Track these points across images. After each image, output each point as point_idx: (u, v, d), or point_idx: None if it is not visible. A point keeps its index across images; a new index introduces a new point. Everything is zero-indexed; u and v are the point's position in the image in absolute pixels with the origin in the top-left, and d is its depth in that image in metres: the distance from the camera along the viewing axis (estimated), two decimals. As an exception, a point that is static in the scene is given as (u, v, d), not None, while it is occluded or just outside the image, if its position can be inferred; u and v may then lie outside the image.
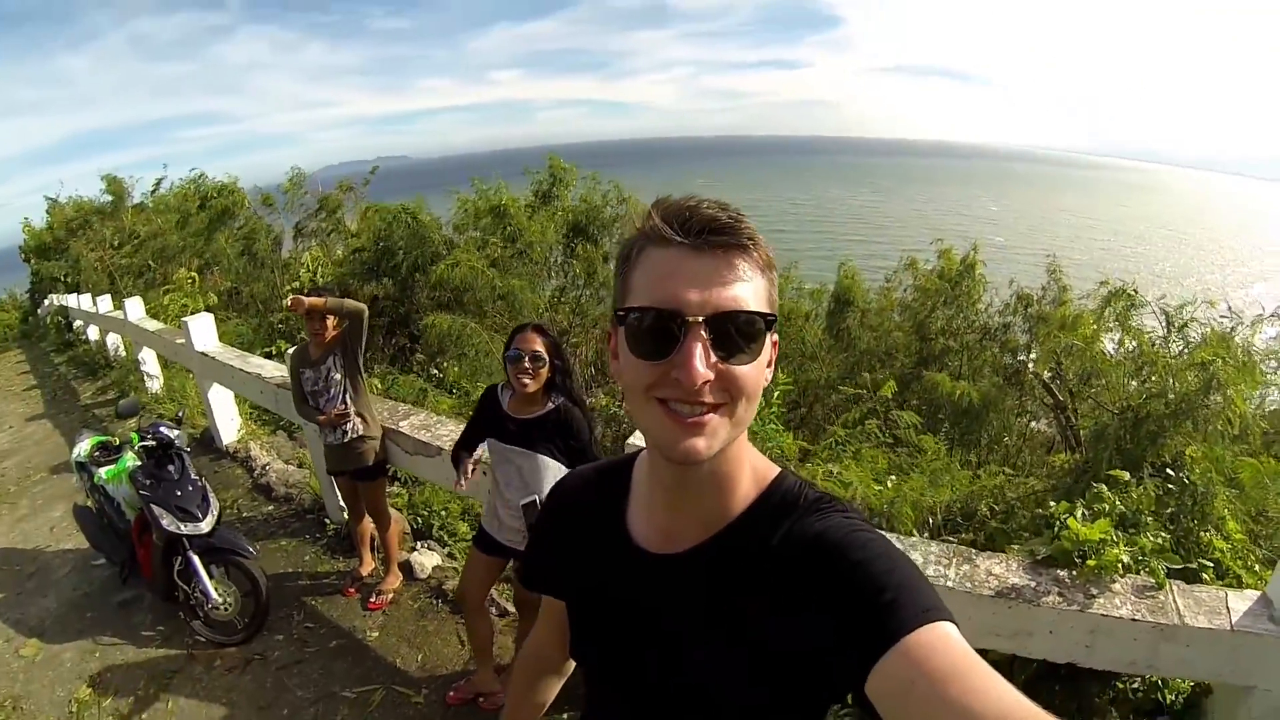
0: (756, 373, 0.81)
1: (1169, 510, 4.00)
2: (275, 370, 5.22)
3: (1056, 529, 3.15)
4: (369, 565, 4.27)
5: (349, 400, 3.82)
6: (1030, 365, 8.31)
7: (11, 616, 4.35)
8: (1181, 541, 3.75)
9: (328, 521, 4.93)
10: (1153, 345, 6.13)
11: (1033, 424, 9.66)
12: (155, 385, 8.45)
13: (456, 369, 8.37)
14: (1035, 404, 9.60)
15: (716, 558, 0.90)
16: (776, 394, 5.21)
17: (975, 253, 10.19)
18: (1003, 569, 2.81)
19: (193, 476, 3.86)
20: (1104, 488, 3.43)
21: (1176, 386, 4.70)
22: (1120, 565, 2.80)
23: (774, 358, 0.87)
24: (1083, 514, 3.13)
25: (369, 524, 4.16)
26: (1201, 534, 3.87)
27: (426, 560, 4.34)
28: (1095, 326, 6.88)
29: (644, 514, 0.99)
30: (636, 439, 3.02)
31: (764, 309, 0.81)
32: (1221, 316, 6.00)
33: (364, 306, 3.80)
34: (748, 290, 0.80)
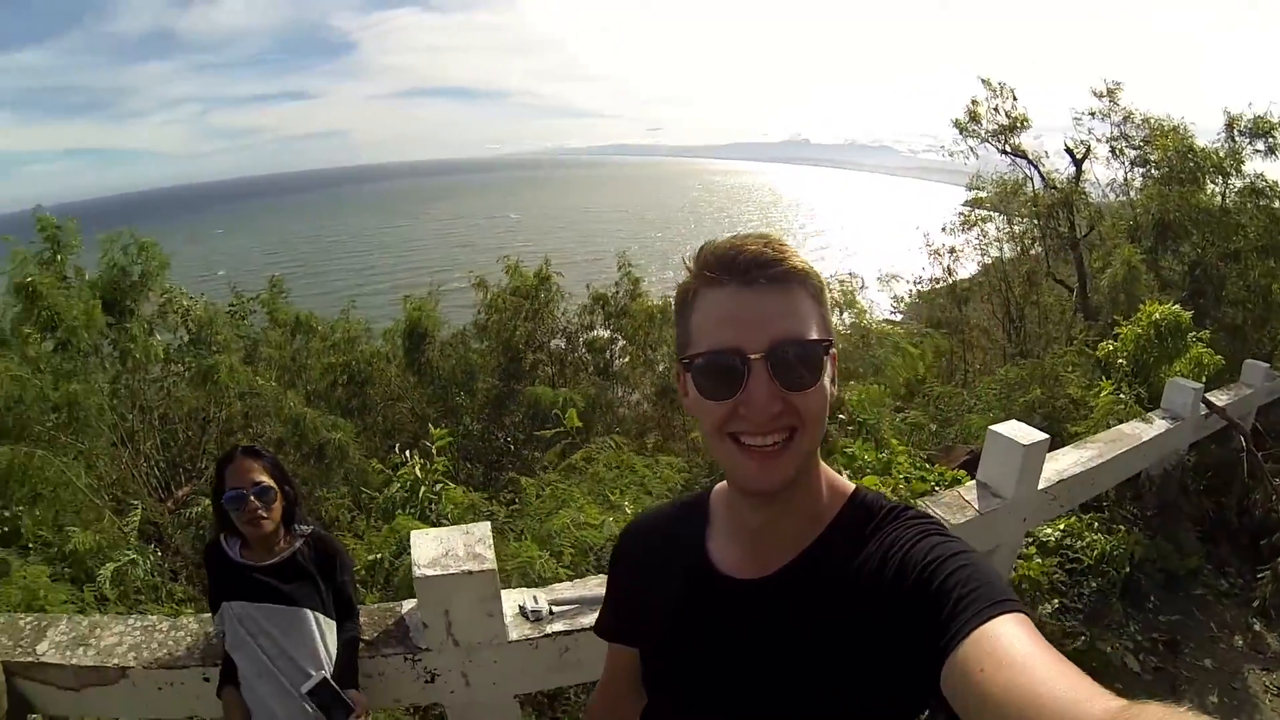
0: (821, 396, 0.85)
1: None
2: None
3: None
4: None
5: None
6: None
7: None
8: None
9: None
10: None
11: (638, 407, 10.72)
12: None
13: (31, 516, 6.07)
14: (633, 391, 10.64)
15: (805, 577, 0.93)
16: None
17: (548, 265, 10.86)
18: None
19: None
20: (853, 450, 4.01)
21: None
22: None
23: (835, 373, 0.90)
24: (849, 476, 3.62)
25: None
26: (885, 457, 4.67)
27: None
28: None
29: (727, 542, 1.02)
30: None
31: (820, 335, 0.85)
32: None
33: None
34: (802, 319, 0.84)
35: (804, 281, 0.85)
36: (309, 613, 2.14)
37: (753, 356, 0.81)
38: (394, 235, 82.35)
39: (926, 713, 0.87)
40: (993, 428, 3.56)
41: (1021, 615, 0.74)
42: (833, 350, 0.89)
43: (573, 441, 6.24)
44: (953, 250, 12.54)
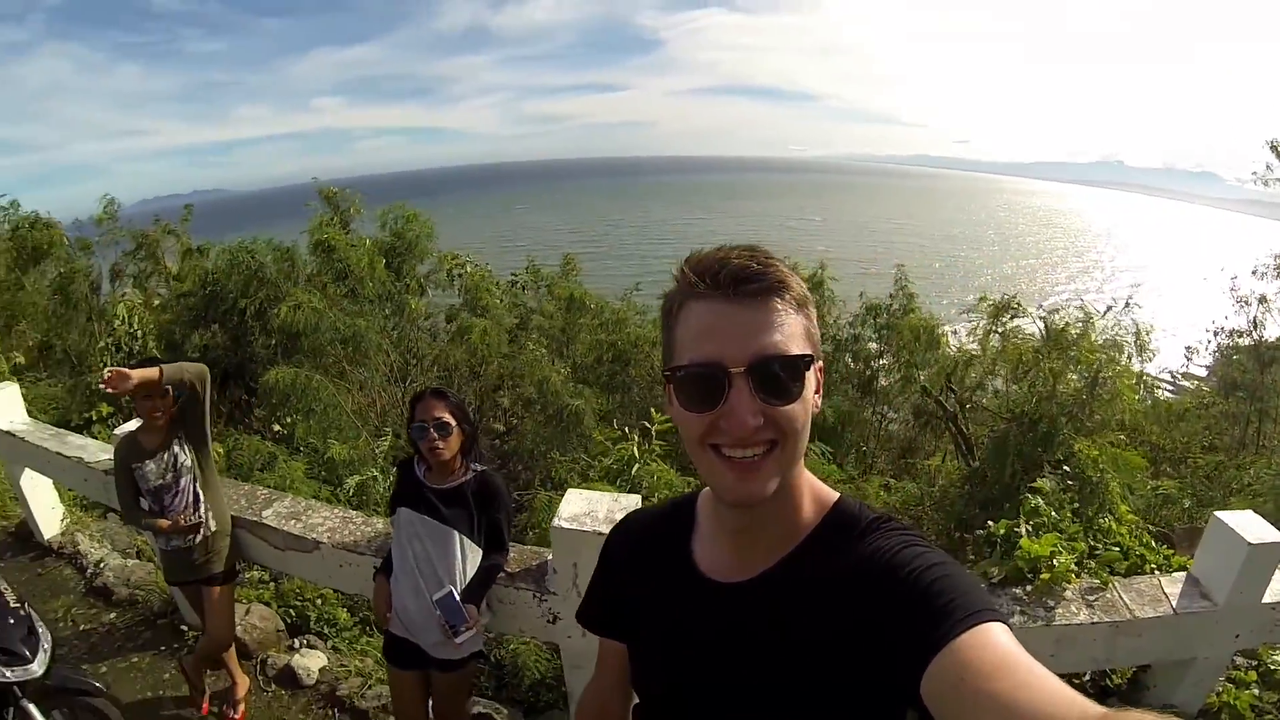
0: (803, 408, 0.86)
1: (1074, 505, 4.22)
2: (100, 451, 4.30)
3: (1000, 549, 3.22)
4: (243, 682, 3.49)
5: (199, 491, 3.12)
6: (922, 380, 8.68)
7: None
8: (1086, 530, 3.95)
9: (185, 628, 4.08)
10: (1035, 351, 6.49)
11: (890, 427, 10.18)
12: (-44, 471, 7.01)
13: (304, 425, 7.58)
14: (887, 407, 10.16)
15: (783, 582, 0.93)
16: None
17: (823, 270, 10.59)
18: None
19: (11, 605, 3.04)
20: (1039, 500, 3.58)
21: (1062, 389, 4.96)
22: (1071, 573, 2.88)
23: (821, 384, 0.91)
24: (1027, 530, 3.21)
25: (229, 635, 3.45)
26: (1100, 521, 4.08)
27: (311, 663, 3.69)
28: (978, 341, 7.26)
29: (711, 546, 1.03)
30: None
31: (803, 349, 0.85)
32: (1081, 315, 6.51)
33: (204, 367, 3.08)
34: (784, 333, 0.84)
35: (787, 295, 0.85)
36: (457, 535, 2.49)
37: (734, 370, 0.82)
38: (693, 228, 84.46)
39: None
40: (1218, 514, 2.84)
41: (1001, 624, 0.75)
42: (817, 364, 0.89)
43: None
44: (1263, 299, 10.39)
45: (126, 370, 2.76)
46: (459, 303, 10.35)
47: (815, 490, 0.98)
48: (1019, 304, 7.46)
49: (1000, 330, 7.48)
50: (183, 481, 3.10)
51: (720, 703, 0.96)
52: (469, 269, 10.57)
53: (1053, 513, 3.50)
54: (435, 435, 2.44)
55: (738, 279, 0.83)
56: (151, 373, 2.82)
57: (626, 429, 5.02)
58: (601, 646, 1.28)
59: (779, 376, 0.83)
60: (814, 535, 0.94)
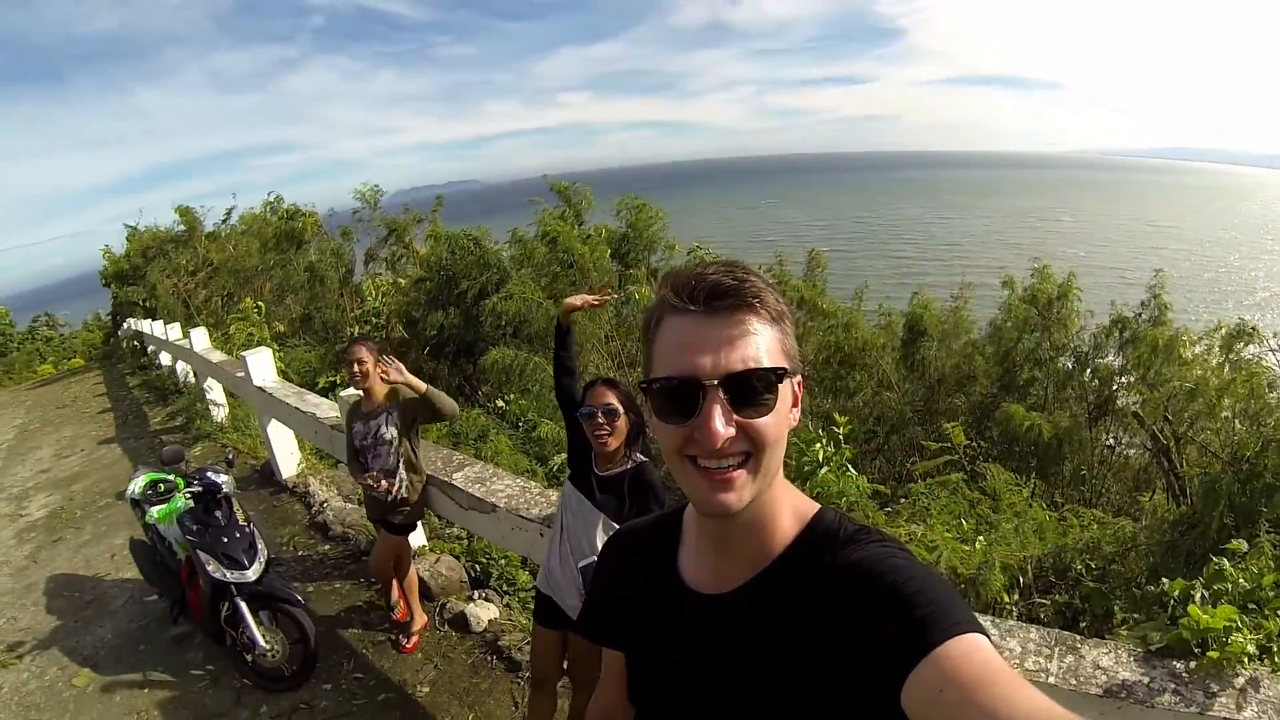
0: (777, 421, 0.87)
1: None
2: (331, 410, 5.18)
3: (1170, 611, 2.89)
4: (420, 619, 4.10)
5: (399, 461, 3.73)
6: (1133, 403, 7.77)
7: (68, 644, 4.38)
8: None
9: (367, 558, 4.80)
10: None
11: (1125, 454, 9.13)
12: (220, 414, 8.57)
13: (522, 402, 8.26)
14: (1124, 432, 9.09)
15: (761, 595, 0.94)
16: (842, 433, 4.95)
17: (1072, 279, 9.71)
18: (1112, 660, 2.53)
19: (240, 522, 3.80)
20: (1225, 563, 3.11)
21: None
22: (1246, 656, 2.53)
23: (799, 398, 0.93)
24: (1202, 595, 2.85)
25: (413, 574, 4.06)
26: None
27: (483, 613, 4.17)
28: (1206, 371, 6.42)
29: (694, 557, 1.05)
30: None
31: (777, 362, 0.86)
32: None
33: (455, 410, 3.73)
34: (759, 347, 0.85)
35: (762, 310, 0.86)
36: (603, 518, 2.66)
37: (707, 383, 0.83)
38: (942, 227, 79.47)
39: None
40: None
41: (980, 636, 0.75)
42: (796, 378, 0.91)
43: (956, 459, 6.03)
44: None
45: (402, 367, 3.60)
46: None
47: (795, 503, 0.98)
48: (1255, 330, 6.40)
49: (1231, 359, 6.49)
50: (382, 449, 3.71)
51: (706, 713, 0.98)
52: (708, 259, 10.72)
53: (1240, 580, 3.04)
54: (602, 420, 2.56)
55: (712, 294, 0.85)
56: (419, 385, 3.60)
57: (822, 433, 4.94)
58: (605, 655, 1.29)
59: (752, 389, 0.84)
60: (794, 547, 0.95)
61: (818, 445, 4.76)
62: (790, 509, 0.98)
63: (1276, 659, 2.60)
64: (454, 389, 9.36)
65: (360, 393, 3.90)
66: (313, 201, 14.77)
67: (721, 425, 0.83)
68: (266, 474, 6.58)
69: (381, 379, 3.67)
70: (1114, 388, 9.10)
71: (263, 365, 6.09)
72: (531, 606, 4.29)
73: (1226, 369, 6.59)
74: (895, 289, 14.36)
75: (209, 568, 3.56)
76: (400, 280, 12.36)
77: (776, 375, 0.86)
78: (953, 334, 10.40)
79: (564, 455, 6.42)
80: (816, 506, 1.00)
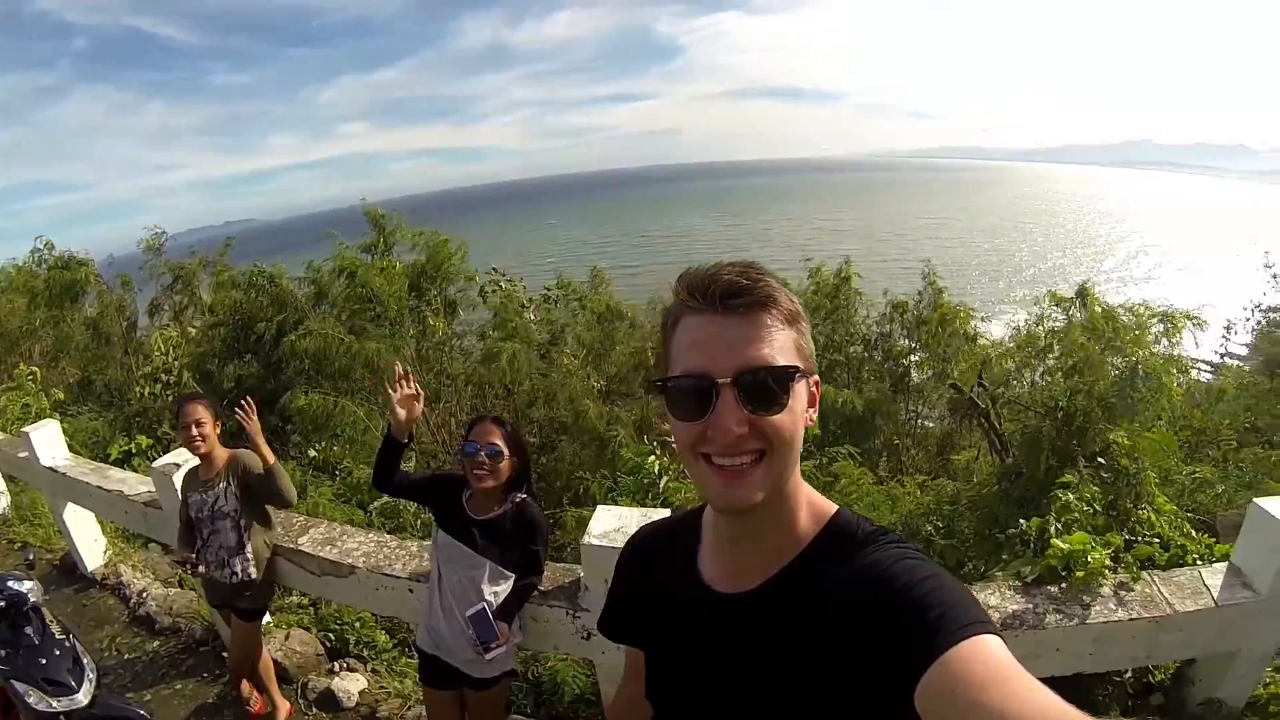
0: (791, 419, 0.88)
1: (1109, 498, 4.11)
2: (140, 484, 4.43)
3: (1033, 547, 3.16)
4: (284, 706, 3.59)
5: (242, 536, 3.23)
6: (950, 374, 8.58)
7: None
8: (1123, 523, 3.86)
9: (226, 654, 4.07)
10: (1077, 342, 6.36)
11: (924, 424, 10.08)
12: (1, 504, 7.20)
13: (336, 449, 7.71)
14: (923, 405, 10.06)
15: (778, 595, 0.95)
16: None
17: (848, 266, 10.53)
18: (998, 598, 2.77)
19: (57, 637, 3.14)
20: (1070, 495, 3.48)
21: (1101, 382, 4.86)
22: (1105, 569, 2.81)
23: (816, 398, 0.94)
24: (1055, 528, 3.15)
25: (266, 657, 3.56)
26: (1139, 513, 3.99)
27: (351, 686, 3.75)
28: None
29: (712, 556, 1.06)
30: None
31: (790, 360, 0.88)
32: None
33: (294, 500, 3.28)
34: (772, 346, 0.86)
35: (775, 310, 0.88)
36: (488, 563, 2.51)
37: (720, 381, 0.85)
38: (723, 235, 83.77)
39: None
40: (1257, 500, 2.73)
41: (995, 637, 0.75)
42: (813, 378, 0.93)
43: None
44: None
45: (257, 429, 3.14)
46: (489, 321, 10.39)
47: (813, 503, 0.99)
48: (1091, 289, 7.15)
49: (1041, 323, 7.31)
50: (220, 524, 3.20)
51: (723, 711, 0.98)
52: (501, 286, 10.59)
53: (1084, 507, 3.42)
54: (485, 460, 2.43)
55: (726, 294, 0.86)
56: (267, 456, 3.15)
57: (656, 443, 4.96)
58: (628, 655, 1.31)
59: (764, 387, 0.85)
60: (811, 547, 0.96)
61: (651, 458, 4.73)
62: (808, 509, 0.98)
63: (1125, 564, 2.89)
64: (267, 441, 8.54)
65: (182, 460, 3.36)
66: (85, 248, 12.89)
67: (734, 422, 0.85)
68: (68, 568, 5.53)
69: (240, 431, 3.14)
70: (906, 364, 10.07)
71: (51, 441, 5.11)
72: (399, 669, 3.99)
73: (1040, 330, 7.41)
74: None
75: (29, 699, 2.89)
76: (190, 329, 11.13)
77: (789, 374, 0.87)
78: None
79: (384, 500, 6.07)
80: (834, 507, 1.00)
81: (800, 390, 0.89)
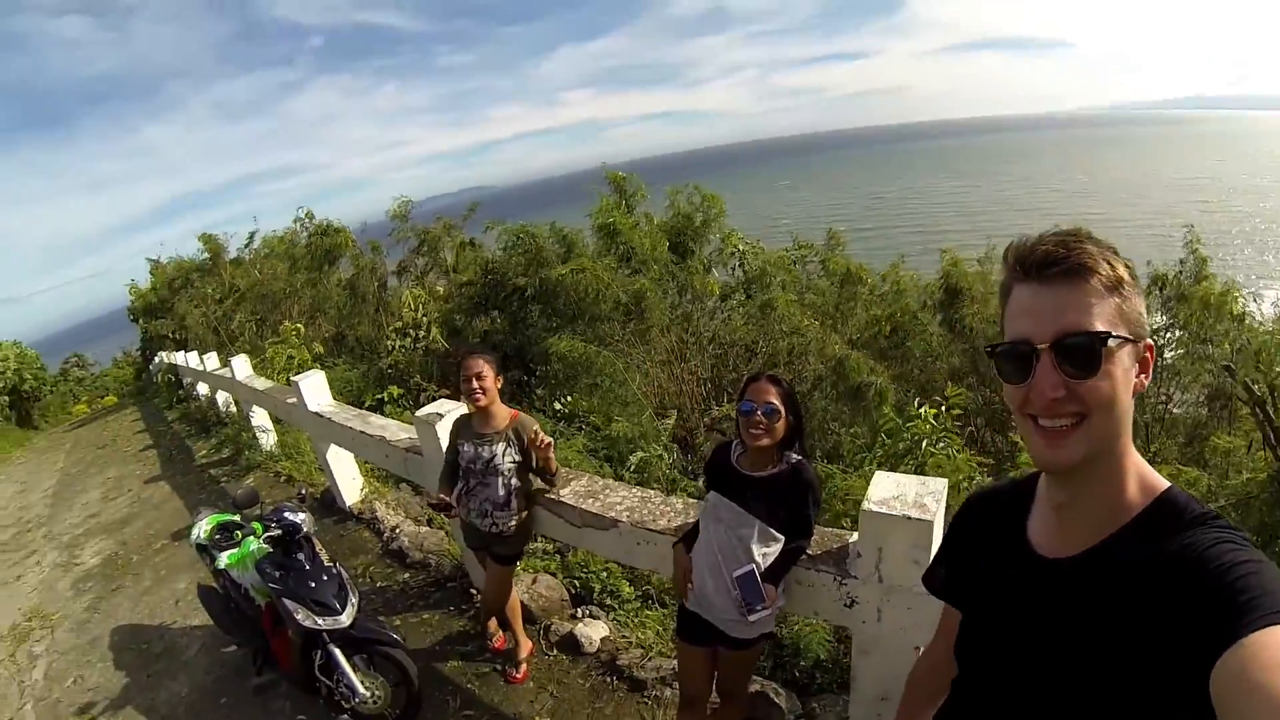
0: (1109, 385, 0.90)
1: None
2: (401, 431, 4.74)
3: None
4: (526, 645, 3.72)
5: (511, 496, 3.28)
6: (1214, 359, 7.58)
7: (143, 702, 4.05)
8: None
9: (474, 591, 4.39)
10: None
11: (1172, 409, 9.26)
12: (268, 441, 8.23)
13: (588, 401, 7.79)
14: (1177, 389, 9.18)
15: (1099, 563, 0.95)
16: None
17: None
18: None
19: (325, 563, 3.41)
20: None
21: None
22: None
23: (1149, 364, 0.95)
24: None
25: (515, 598, 3.65)
26: None
27: (593, 632, 3.79)
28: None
29: (1041, 520, 1.08)
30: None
31: (1107, 326, 0.89)
32: None
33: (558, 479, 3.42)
34: (1088, 312, 0.89)
35: (1093, 278, 0.89)
36: (758, 523, 2.38)
37: (1039, 346, 0.90)
38: (956, 197, 79.49)
39: None
40: None
41: None
42: (1144, 343, 0.93)
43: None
44: None
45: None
46: (740, 281, 10.32)
47: (1144, 476, 0.98)
48: None
49: None
50: (492, 479, 3.24)
51: (1028, 671, 0.99)
52: (746, 248, 10.56)
53: None
54: (762, 418, 2.34)
55: (1044, 263, 0.91)
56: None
57: (921, 405, 4.70)
58: (943, 617, 1.34)
59: (1079, 351, 0.89)
60: (1138, 520, 0.95)
61: (920, 419, 4.42)
62: (1138, 481, 0.97)
63: None
64: (507, 395, 8.96)
65: (444, 410, 3.47)
66: (329, 219, 14.52)
67: (1049, 386, 0.90)
68: (327, 502, 6.20)
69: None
70: (1160, 343, 8.97)
71: (317, 389, 5.70)
72: (640, 620, 3.96)
73: None
74: (919, 263, 14.15)
75: (298, 616, 3.18)
76: (438, 288, 12.07)
77: (1104, 339, 0.88)
78: (987, 296, 10.12)
79: (642, 454, 6.09)
80: (1166, 484, 0.98)
81: (1123, 356, 0.90)
